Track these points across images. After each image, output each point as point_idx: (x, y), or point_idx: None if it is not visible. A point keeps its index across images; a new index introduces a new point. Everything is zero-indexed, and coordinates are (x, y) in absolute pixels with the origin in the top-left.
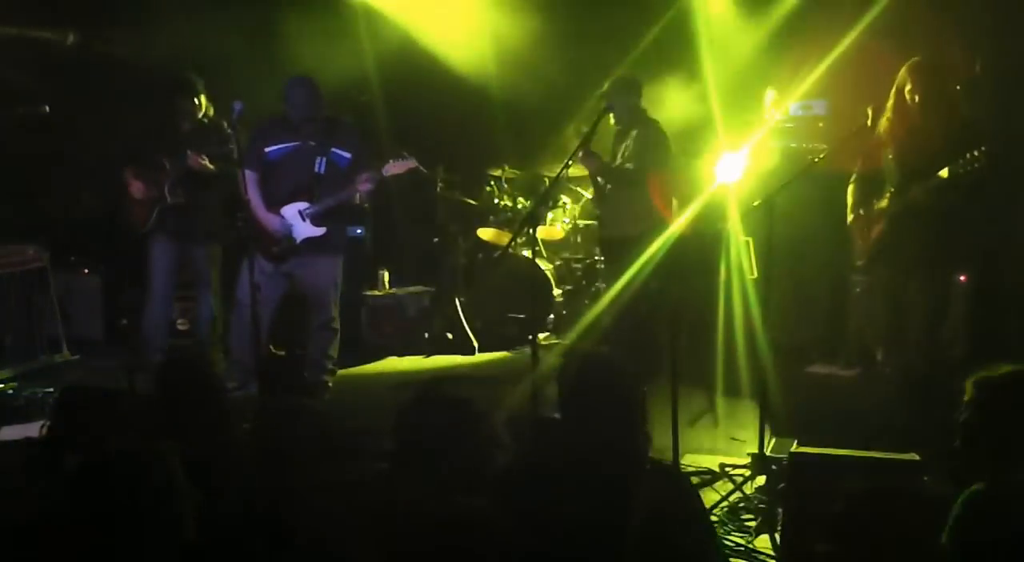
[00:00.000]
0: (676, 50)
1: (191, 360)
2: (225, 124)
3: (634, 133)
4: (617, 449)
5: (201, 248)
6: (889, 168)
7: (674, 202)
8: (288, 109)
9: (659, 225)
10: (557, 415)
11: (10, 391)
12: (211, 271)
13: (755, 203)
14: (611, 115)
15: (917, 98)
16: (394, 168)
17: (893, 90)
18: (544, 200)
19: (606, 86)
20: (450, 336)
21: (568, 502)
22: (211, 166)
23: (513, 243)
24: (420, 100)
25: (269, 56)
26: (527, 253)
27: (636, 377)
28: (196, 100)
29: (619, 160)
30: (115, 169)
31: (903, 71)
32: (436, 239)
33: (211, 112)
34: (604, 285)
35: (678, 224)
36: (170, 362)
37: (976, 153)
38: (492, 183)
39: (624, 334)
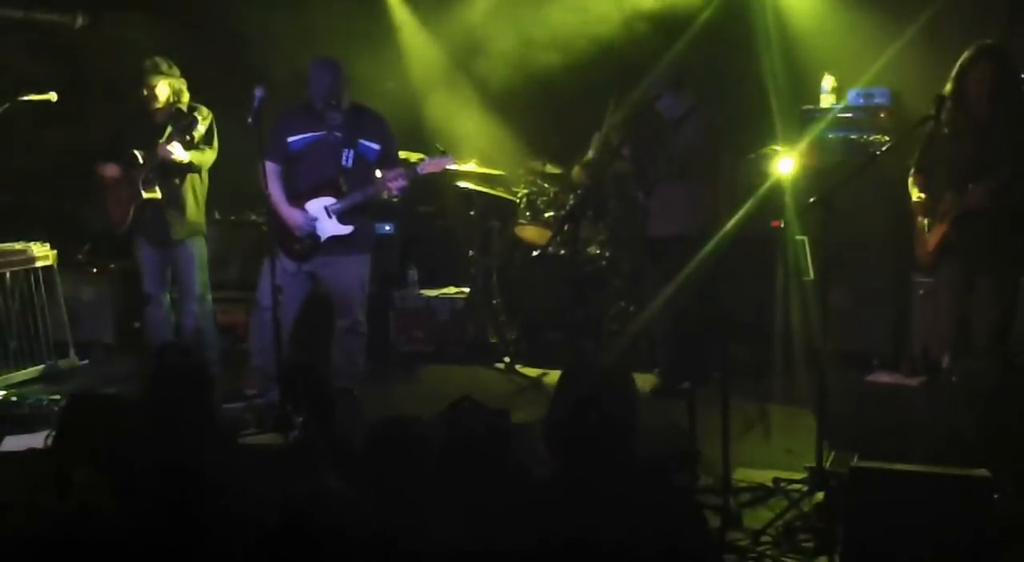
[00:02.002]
0: (728, 35)
1: (178, 364)
2: (199, 111)
3: (686, 124)
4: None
5: (180, 249)
6: (953, 164)
7: (727, 199)
8: (311, 95)
9: (712, 223)
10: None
11: (13, 398)
12: (194, 273)
13: (811, 200)
14: (659, 106)
15: (982, 87)
16: (430, 166)
17: (954, 77)
18: (587, 197)
19: (655, 76)
20: (486, 342)
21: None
22: (183, 157)
23: (554, 242)
24: (454, 88)
25: (292, 38)
26: (567, 252)
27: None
28: (162, 86)
29: (669, 153)
30: (91, 164)
31: (966, 56)
32: (471, 237)
33: (184, 98)
34: (651, 289)
35: (731, 223)
36: (159, 366)
37: None
38: (532, 178)
39: (673, 341)
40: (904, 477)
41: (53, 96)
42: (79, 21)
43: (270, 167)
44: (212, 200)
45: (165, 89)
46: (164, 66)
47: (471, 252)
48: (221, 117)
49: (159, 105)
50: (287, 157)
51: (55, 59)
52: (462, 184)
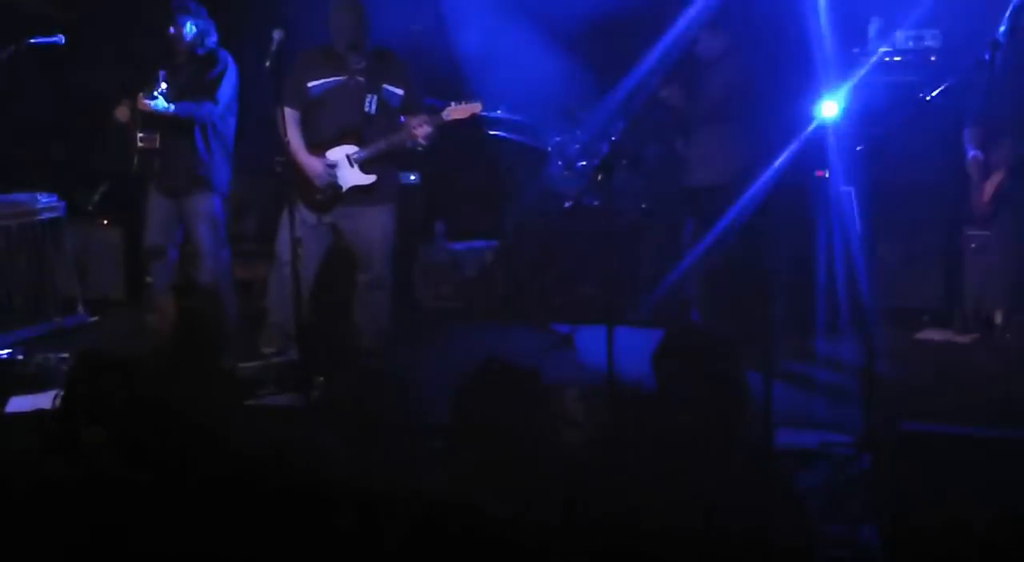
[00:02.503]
0: None
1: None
2: (220, 55)
3: (722, 65)
4: (715, 435)
5: (188, 203)
6: (1009, 110)
7: (768, 146)
8: (332, 36)
9: (753, 171)
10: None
11: (19, 357)
12: (203, 229)
13: (858, 148)
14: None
15: None
16: (457, 112)
17: (1008, 16)
18: (624, 143)
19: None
20: (515, 299)
21: (648, 492)
22: (162, 110)
23: (587, 192)
24: (483, 27)
25: None
26: (601, 203)
27: (736, 354)
28: (188, 27)
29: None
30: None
31: None
32: (499, 188)
33: (208, 41)
34: (689, 242)
35: (772, 171)
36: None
37: None
38: (565, 124)
39: (712, 298)
40: (956, 439)
41: (61, 39)
42: None
43: (289, 114)
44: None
45: (191, 30)
46: (192, 5)
47: (500, 203)
48: (237, 60)
49: (184, 47)
50: (307, 103)
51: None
52: (491, 132)
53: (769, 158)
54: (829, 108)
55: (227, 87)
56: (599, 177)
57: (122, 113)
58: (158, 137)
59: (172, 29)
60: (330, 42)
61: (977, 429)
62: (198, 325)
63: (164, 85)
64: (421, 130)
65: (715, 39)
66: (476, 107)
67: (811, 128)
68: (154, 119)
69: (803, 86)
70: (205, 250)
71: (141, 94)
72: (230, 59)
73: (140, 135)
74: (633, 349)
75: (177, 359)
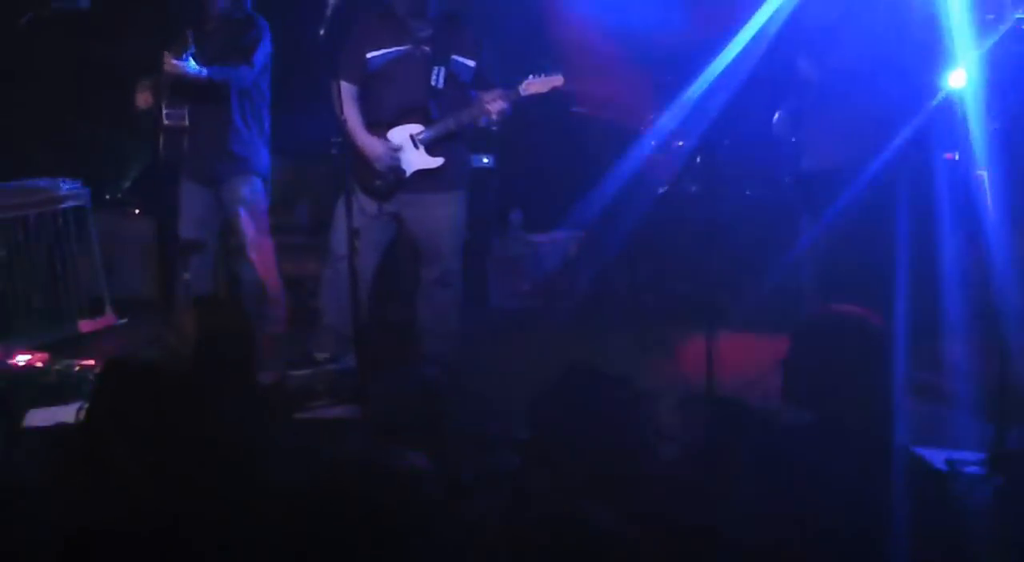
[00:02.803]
0: None
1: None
2: (255, 18)
3: (841, 31)
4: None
5: (227, 188)
6: None
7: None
8: (393, 1)
9: (873, 152)
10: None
11: (39, 364)
12: (247, 217)
13: (993, 126)
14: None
15: None
16: (535, 86)
17: None
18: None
19: None
20: (601, 296)
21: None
22: (195, 73)
23: (684, 176)
24: None
25: None
26: (699, 189)
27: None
28: None
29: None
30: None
31: None
32: (584, 172)
33: (240, 4)
34: (800, 234)
35: (893, 152)
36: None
37: None
38: (655, 98)
39: (822, 296)
40: None
41: (88, 2)
42: None
43: (346, 88)
44: (278, 129)
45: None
46: None
47: (584, 189)
48: (284, 27)
49: (217, 11)
50: (366, 76)
51: None
52: (575, 109)
53: (891, 137)
54: (958, 79)
55: (262, 53)
56: (698, 159)
57: (144, 99)
58: (187, 113)
59: None
60: (392, 7)
61: None
62: (221, 345)
63: (193, 47)
64: (495, 105)
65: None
66: (557, 80)
67: (938, 101)
68: (183, 89)
69: (930, 55)
70: (249, 241)
71: (168, 55)
72: (266, 26)
73: (166, 112)
74: (735, 354)
75: (201, 382)
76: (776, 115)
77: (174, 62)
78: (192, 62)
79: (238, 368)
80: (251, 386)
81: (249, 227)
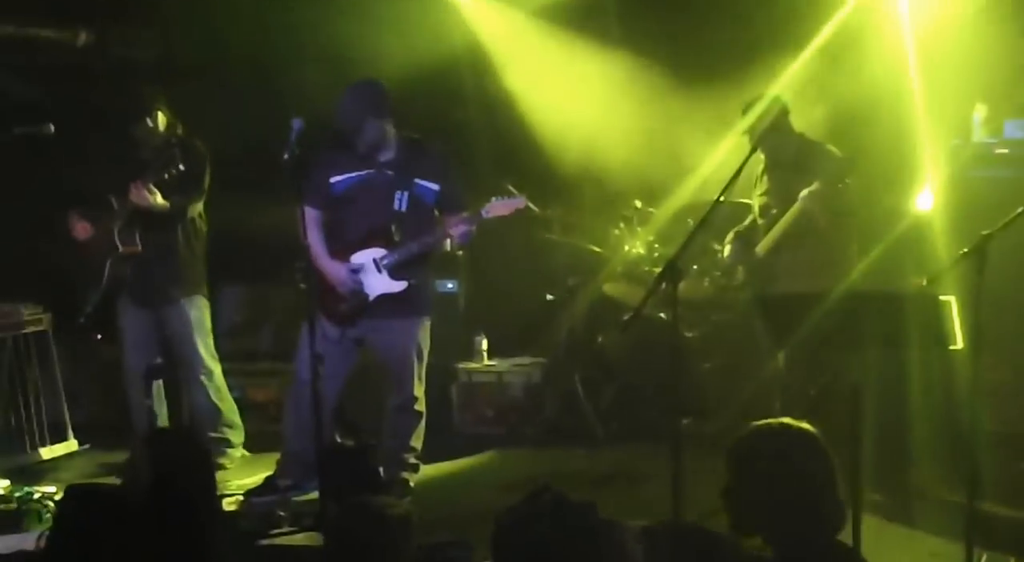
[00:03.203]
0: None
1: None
2: (198, 144)
3: (799, 164)
4: None
5: (173, 311)
6: None
7: (857, 251)
8: (358, 122)
9: (841, 279)
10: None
11: (0, 492)
12: (195, 339)
13: (963, 251)
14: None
15: None
16: (498, 208)
17: None
18: (687, 247)
19: (745, 113)
20: (567, 422)
21: None
22: (160, 202)
23: (648, 302)
24: (530, 120)
25: (336, 60)
26: (665, 315)
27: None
28: (150, 120)
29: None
30: (60, 213)
31: None
32: (549, 297)
33: (179, 130)
34: (764, 358)
35: (861, 278)
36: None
37: None
38: (621, 225)
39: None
40: None
41: (50, 128)
42: (82, 38)
43: (309, 213)
44: (240, 254)
45: (165, 120)
46: (157, 97)
47: (549, 314)
48: (248, 153)
49: (157, 139)
50: (329, 200)
51: (54, 83)
52: (539, 233)
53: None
54: (924, 204)
55: (207, 178)
56: (663, 285)
57: (83, 230)
58: (138, 238)
59: (149, 120)
60: (355, 132)
61: None
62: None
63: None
64: (458, 230)
65: (784, 137)
66: (520, 202)
67: (905, 226)
68: (141, 217)
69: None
70: (200, 364)
71: (138, 184)
72: (205, 153)
73: (121, 238)
74: (702, 477)
75: (163, 511)
76: (727, 241)
77: (145, 193)
78: (158, 194)
79: (198, 498)
80: (212, 514)
81: (199, 350)
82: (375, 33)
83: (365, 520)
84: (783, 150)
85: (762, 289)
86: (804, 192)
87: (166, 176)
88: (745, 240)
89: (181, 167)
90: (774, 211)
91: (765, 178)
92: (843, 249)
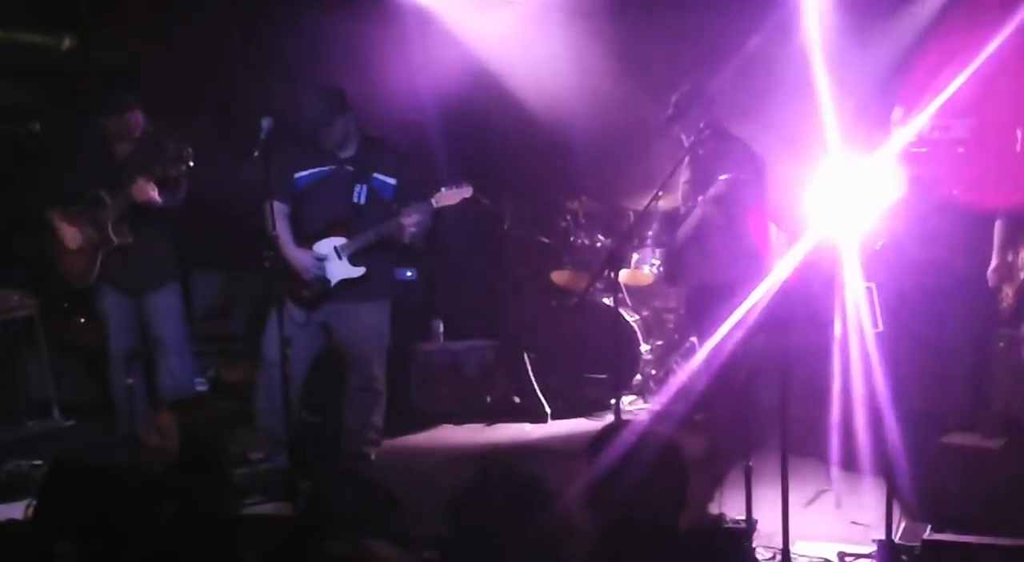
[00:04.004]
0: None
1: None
2: (170, 140)
3: (716, 155)
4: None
5: (153, 297)
6: None
7: (776, 240)
8: (321, 122)
9: (758, 268)
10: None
11: None
12: (171, 323)
13: (879, 243)
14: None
15: None
16: (446, 197)
17: None
18: (629, 238)
19: (674, 98)
20: (517, 400)
21: None
22: (159, 199)
23: (592, 289)
24: (483, 120)
25: (305, 65)
26: (608, 301)
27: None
28: (129, 119)
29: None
30: (40, 211)
31: None
32: (501, 284)
33: (150, 128)
34: (698, 341)
35: (784, 266)
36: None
37: None
38: (568, 218)
39: (722, 399)
40: (984, 551)
41: (36, 126)
42: (66, 42)
43: (277, 207)
44: (214, 243)
45: (140, 120)
46: (131, 98)
47: (501, 300)
48: (221, 150)
49: (133, 136)
50: (294, 194)
51: (40, 85)
52: (493, 225)
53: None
54: (844, 200)
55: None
56: (606, 272)
57: (74, 238)
58: (129, 229)
59: (128, 120)
60: (318, 131)
61: (1007, 541)
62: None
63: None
64: (410, 220)
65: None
66: (466, 191)
67: (826, 221)
68: (135, 209)
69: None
70: (174, 348)
71: (141, 181)
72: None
73: (114, 231)
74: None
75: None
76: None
77: (150, 190)
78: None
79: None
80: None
81: (175, 334)
82: (335, 42)
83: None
84: (704, 141)
85: (675, 278)
86: (707, 193)
87: (161, 173)
88: (667, 223)
89: (182, 166)
90: (690, 203)
91: (688, 167)
92: (752, 240)
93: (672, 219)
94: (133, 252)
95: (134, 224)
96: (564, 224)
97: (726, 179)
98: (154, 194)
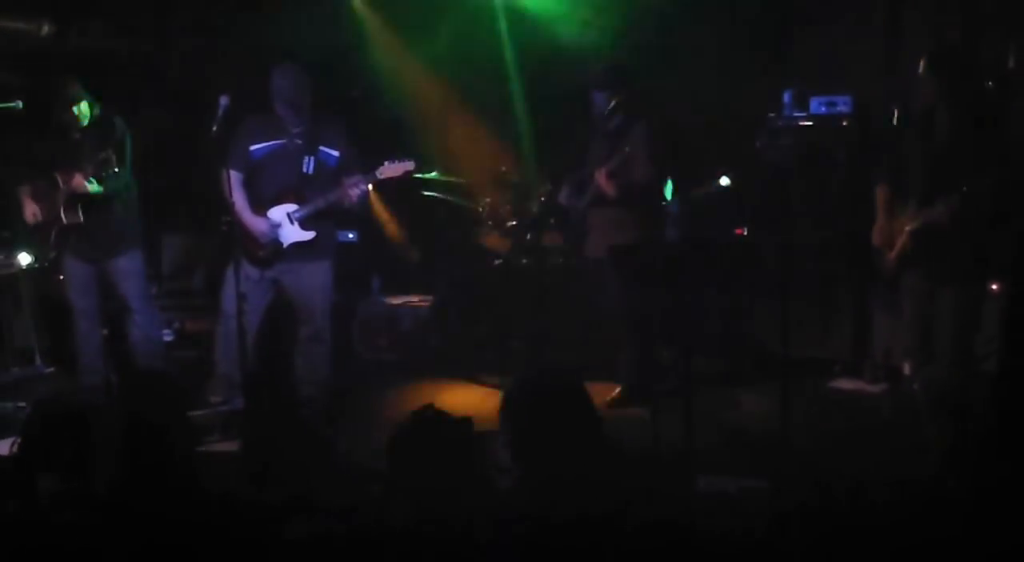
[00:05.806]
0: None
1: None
2: (116, 122)
3: (631, 129)
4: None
5: (111, 264)
6: (916, 176)
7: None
8: (276, 99)
9: (658, 231)
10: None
11: None
12: (131, 287)
13: (773, 205)
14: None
15: (938, 97)
16: (389, 170)
17: (914, 86)
18: (551, 204)
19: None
20: (455, 350)
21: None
22: (95, 187)
23: (516, 250)
24: (417, 95)
25: (256, 45)
26: (528, 261)
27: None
28: (75, 108)
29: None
30: (11, 186)
31: (922, 64)
32: (434, 245)
33: (95, 111)
34: (612, 298)
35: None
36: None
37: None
38: (495, 186)
39: (635, 351)
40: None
41: (19, 104)
42: (45, 29)
43: (234, 176)
44: (179, 209)
45: (86, 109)
46: (77, 86)
47: (434, 260)
48: (187, 125)
49: (79, 125)
50: (249, 165)
51: (20, 69)
52: (425, 192)
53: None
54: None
55: (128, 151)
56: (528, 236)
57: (32, 213)
58: (80, 211)
59: (71, 111)
60: (271, 108)
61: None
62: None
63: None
64: (354, 190)
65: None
66: (409, 166)
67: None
68: (77, 197)
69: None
70: (134, 306)
71: (72, 173)
72: (124, 126)
73: (65, 214)
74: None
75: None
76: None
77: (82, 181)
78: (95, 183)
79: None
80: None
81: (135, 296)
82: (287, 26)
83: None
84: (609, 117)
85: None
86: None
87: (98, 161)
88: (577, 187)
89: (111, 152)
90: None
91: (599, 138)
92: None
93: (582, 184)
94: (90, 229)
95: (86, 206)
96: (489, 196)
97: (621, 155)
98: (86, 186)
